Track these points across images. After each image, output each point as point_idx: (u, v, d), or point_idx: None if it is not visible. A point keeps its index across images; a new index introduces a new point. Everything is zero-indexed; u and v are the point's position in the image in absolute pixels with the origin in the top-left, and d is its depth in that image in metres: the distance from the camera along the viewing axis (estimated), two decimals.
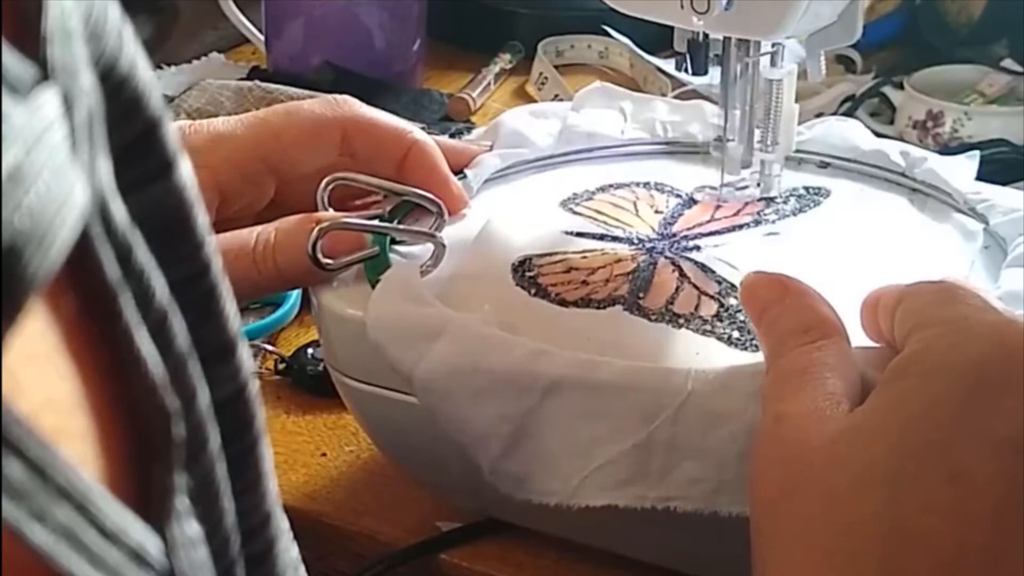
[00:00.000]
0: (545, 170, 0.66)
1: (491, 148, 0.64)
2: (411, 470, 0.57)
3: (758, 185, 0.61)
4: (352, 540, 0.58)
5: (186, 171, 0.23)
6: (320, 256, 0.52)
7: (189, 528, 0.22)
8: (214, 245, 0.23)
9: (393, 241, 0.55)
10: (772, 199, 0.62)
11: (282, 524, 0.27)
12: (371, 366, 0.53)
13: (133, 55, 0.21)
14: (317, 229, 0.52)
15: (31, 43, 0.19)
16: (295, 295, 0.73)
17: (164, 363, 0.21)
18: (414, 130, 0.60)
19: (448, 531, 0.57)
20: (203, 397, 0.23)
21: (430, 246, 0.55)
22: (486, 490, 0.51)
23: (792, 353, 0.42)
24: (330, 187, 0.56)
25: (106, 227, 0.20)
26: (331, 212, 0.56)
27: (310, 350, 0.68)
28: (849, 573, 0.36)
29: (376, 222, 0.56)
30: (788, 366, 0.42)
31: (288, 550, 0.28)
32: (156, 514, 0.22)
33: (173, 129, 0.23)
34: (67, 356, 0.20)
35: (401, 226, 0.57)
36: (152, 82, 0.22)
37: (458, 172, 0.61)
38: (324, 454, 0.63)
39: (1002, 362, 0.38)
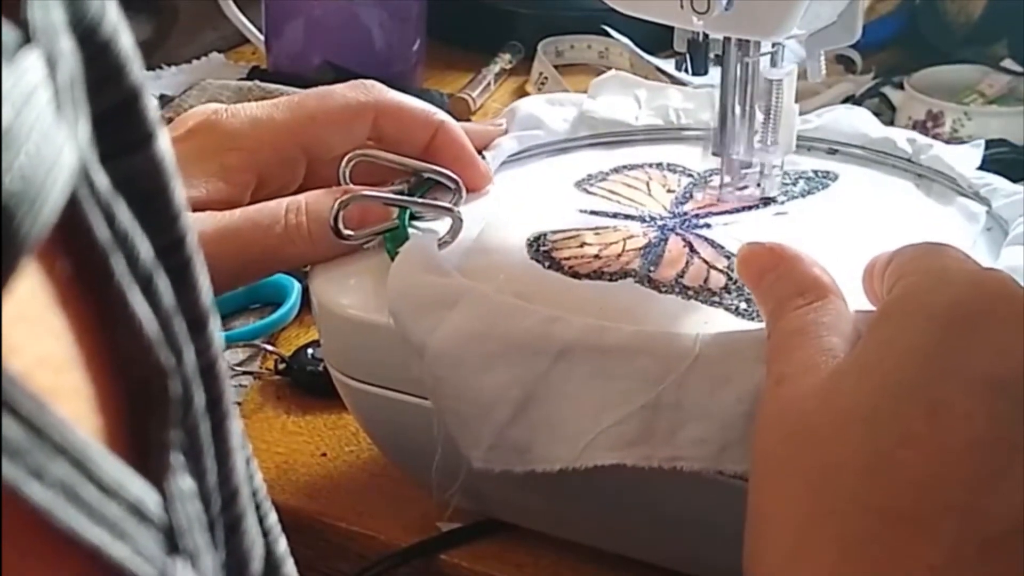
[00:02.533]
0: (560, 154, 0.67)
1: (507, 131, 0.66)
2: (411, 470, 0.58)
3: (758, 185, 0.61)
4: (352, 540, 0.58)
5: (164, 143, 0.23)
6: (342, 227, 0.54)
7: (184, 483, 0.23)
8: (190, 218, 0.24)
9: (413, 216, 0.56)
10: (782, 181, 0.62)
11: (256, 508, 0.27)
12: (371, 366, 0.53)
13: (115, 22, 0.21)
14: (338, 201, 0.54)
15: (11, 5, 0.19)
16: (295, 295, 0.73)
17: (156, 321, 0.22)
18: (439, 112, 0.61)
19: (448, 531, 0.57)
20: (189, 356, 0.23)
21: (448, 221, 0.56)
22: (485, 489, 0.51)
23: (790, 315, 0.44)
24: (352, 163, 0.58)
25: (91, 190, 0.20)
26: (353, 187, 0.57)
27: (310, 350, 0.68)
28: (833, 510, 0.37)
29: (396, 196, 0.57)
30: (787, 328, 0.43)
31: (276, 541, 0.28)
32: (153, 469, 0.22)
33: (153, 101, 0.23)
34: (60, 315, 0.20)
35: (420, 199, 0.58)
36: (133, 53, 0.22)
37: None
38: (324, 454, 0.63)
39: (978, 303, 0.39)
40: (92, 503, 0.19)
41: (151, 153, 0.22)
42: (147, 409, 0.22)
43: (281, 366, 0.69)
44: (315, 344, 0.68)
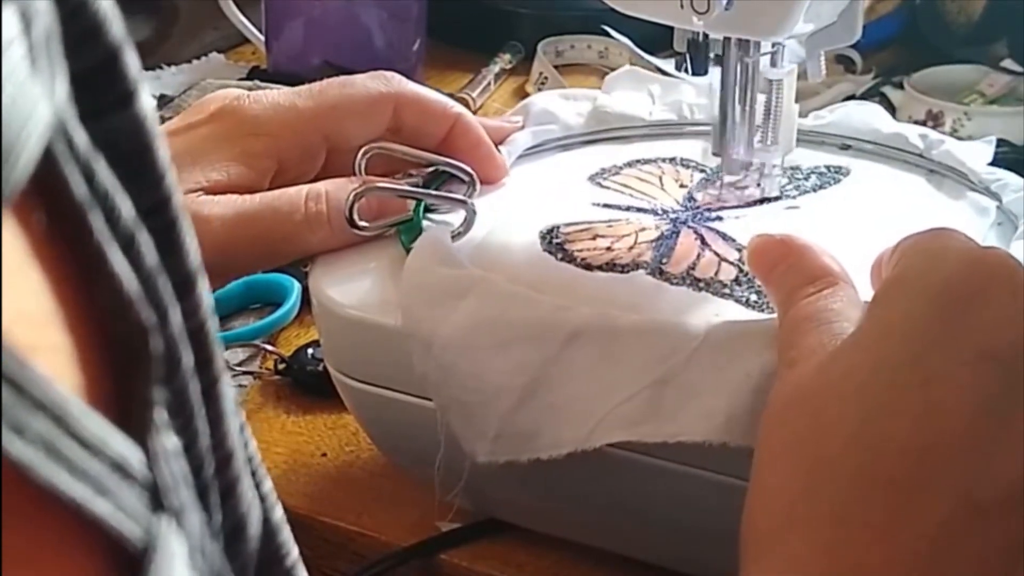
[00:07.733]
0: (574, 148, 0.67)
1: (522, 127, 0.66)
2: (411, 470, 0.58)
3: (758, 185, 0.61)
4: (352, 540, 0.59)
5: (147, 102, 0.23)
6: (356, 218, 0.54)
7: (168, 441, 0.22)
8: (175, 179, 0.23)
9: (427, 209, 0.57)
10: (793, 176, 0.63)
11: (252, 474, 0.27)
12: (371, 366, 0.53)
13: None
14: (353, 192, 0.54)
15: None
16: (295, 295, 0.73)
17: (137, 279, 0.21)
18: (457, 105, 0.62)
19: (448, 531, 0.57)
20: (175, 316, 0.23)
21: (462, 213, 0.57)
22: (486, 489, 0.51)
23: (800, 303, 0.44)
24: (367, 156, 0.58)
25: (69, 147, 0.20)
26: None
27: (310, 350, 0.68)
28: (825, 478, 0.38)
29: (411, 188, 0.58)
30: (797, 315, 0.44)
31: (289, 546, 0.28)
32: (137, 427, 0.21)
33: (135, 59, 0.22)
34: (38, 271, 0.20)
35: (435, 191, 0.58)
36: (113, 12, 0.22)
37: None
38: (324, 454, 0.63)
39: (975, 278, 0.40)
40: (73, 459, 0.19)
41: (133, 112, 0.22)
42: (129, 366, 0.22)
43: (281, 366, 0.69)
44: (315, 344, 0.68)
